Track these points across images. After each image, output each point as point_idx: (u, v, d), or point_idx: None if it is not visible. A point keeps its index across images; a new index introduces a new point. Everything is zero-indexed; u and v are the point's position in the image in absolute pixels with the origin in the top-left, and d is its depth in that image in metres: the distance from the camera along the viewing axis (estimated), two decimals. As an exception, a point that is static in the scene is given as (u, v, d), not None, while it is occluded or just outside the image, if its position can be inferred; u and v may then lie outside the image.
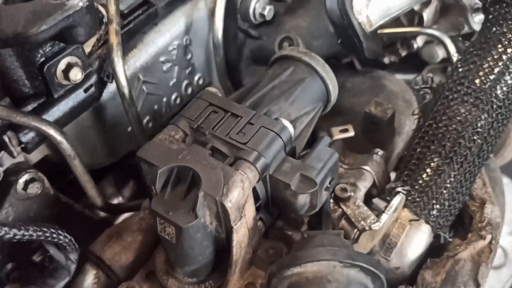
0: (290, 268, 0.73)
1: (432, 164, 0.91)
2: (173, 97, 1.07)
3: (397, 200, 0.84)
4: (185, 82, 1.07)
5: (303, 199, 0.78)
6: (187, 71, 1.07)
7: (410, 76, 1.48)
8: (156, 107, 1.04)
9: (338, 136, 0.99)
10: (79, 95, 0.84)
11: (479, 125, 0.90)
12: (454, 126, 0.90)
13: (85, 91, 0.85)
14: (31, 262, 0.87)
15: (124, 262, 0.86)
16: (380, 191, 0.95)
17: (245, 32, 1.04)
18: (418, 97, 1.12)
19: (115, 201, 1.27)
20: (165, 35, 0.98)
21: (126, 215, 1.04)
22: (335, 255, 0.72)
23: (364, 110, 1.03)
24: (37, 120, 0.76)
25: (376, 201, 0.91)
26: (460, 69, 0.93)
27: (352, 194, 0.87)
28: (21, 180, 0.89)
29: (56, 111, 0.82)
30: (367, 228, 0.81)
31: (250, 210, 0.76)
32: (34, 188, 0.90)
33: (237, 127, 0.79)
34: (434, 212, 0.90)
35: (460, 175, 0.90)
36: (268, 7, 0.99)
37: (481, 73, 0.91)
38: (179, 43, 1.01)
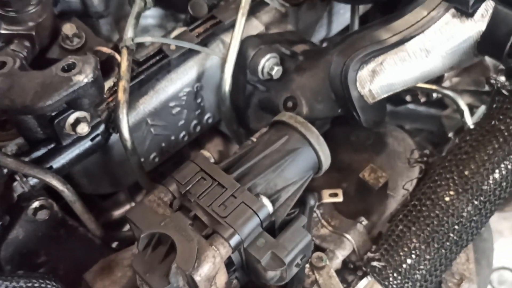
0: None
1: (410, 245, 0.94)
2: (181, 135, 1.13)
3: (364, 283, 0.89)
4: (194, 122, 1.13)
5: (272, 274, 0.84)
6: (197, 113, 1.12)
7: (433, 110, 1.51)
8: (163, 144, 1.11)
9: (327, 199, 1.03)
10: (86, 144, 0.92)
11: (463, 215, 0.92)
12: (437, 212, 0.93)
13: (92, 140, 0.92)
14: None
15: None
16: (359, 258, 1.00)
17: (253, 86, 1.08)
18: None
19: (128, 206, 1.37)
20: (176, 83, 1.04)
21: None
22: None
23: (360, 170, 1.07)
24: (42, 173, 0.84)
25: (348, 273, 0.96)
26: (453, 157, 0.94)
27: (327, 263, 0.93)
28: (32, 207, 0.99)
29: (64, 157, 0.91)
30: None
31: (221, 278, 0.83)
32: (43, 214, 1.00)
33: (220, 198, 0.85)
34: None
35: (436, 260, 0.93)
36: (276, 68, 1.02)
37: (472, 166, 0.92)
38: (189, 90, 1.06)
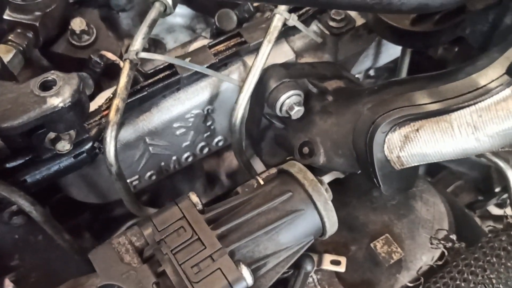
0: None
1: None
2: (185, 155, 1.02)
3: None
4: (201, 144, 1.02)
5: None
6: (205, 135, 1.01)
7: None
8: (163, 164, 1.00)
9: (327, 266, 0.91)
10: (67, 161, 0.83)
11: None
12: None
13: (75, 157, 0.83)
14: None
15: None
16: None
17: (269, 120, 0.95)
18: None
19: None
20: (184, 104, 0.92)
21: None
22: None
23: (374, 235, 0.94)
24: (7, 190, 0.76)
25: None
26: (482, 256, 0.80)
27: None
28: (8, 210, 0.92)
29: (41, 172, 0.82)
30: None
31: None
32: (19, 219, 0.93)
33: (196, 258, 0.74)
34: None
35: None
36: (296, 108, 0.89)
37: (502, 271, 0.78)
38: (198, 112, 0.95)
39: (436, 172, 1.40)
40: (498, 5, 0.86)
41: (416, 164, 0.85)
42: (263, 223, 0.80)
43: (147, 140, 0.93)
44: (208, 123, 0.99)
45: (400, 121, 0.82)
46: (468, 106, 0.78)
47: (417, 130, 0.82)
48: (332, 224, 0.84)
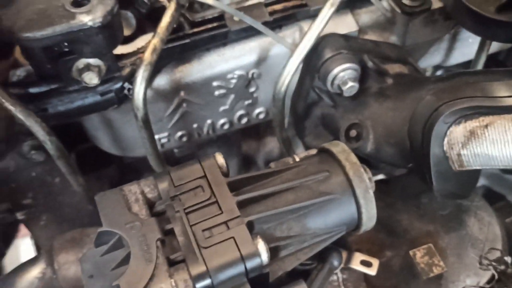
0: None
1: None
2: (221, 121, 0.94)
3: None
4: (240, 112, 0.94)
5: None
6: (246, 103, 0.93)
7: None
8: (195, 125, 0.93)
9: (356, 266, 0.80)
10: (94, 97, 0.77)
11: None
12: None
13: (102, 95, 0.77)
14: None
15: (71, 275, 0.81)
16: None
17: (318, 95, 0.86)
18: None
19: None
20: (228, 62, 0.85)
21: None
22: None
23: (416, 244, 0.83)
24: (24, 113, 0.70)
25: None
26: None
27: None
28: (28, 143, 0.87)
29: (66, 102, 0.77)
30: None
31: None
32: (38, 156, 0.88)
33: (210, 222, 0.65)
34: None
35: None
36: (350, 84, 0.79)
37: None
38: (241, 74, 0.87)
39: (494, 202, 1.26)
40: None
41: (477, 168, 0.74)
42: (291, 200, 0.71)
43: (182, 94, 0.86)
44: (251, 89, 0.91)
45: (468, 112, 0.70)
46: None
47: (486, 126, 0.70)
48: (369, 218, 0.73)
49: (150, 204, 0.69)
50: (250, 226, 0.66)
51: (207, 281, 0.62)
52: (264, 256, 0.64)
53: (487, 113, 0.70)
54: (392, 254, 0.86)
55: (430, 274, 0.80)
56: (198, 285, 0.62)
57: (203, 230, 0.65)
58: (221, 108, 0.92)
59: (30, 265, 0.84)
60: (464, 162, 0.73)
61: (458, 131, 0.72)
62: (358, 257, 0.81)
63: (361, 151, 0.82)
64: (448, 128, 0.72)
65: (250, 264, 0.64)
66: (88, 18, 0.60)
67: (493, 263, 0.77)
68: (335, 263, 0.78)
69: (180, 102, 0.87)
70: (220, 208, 0.67)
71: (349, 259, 0.81)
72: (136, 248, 0.63)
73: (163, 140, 0.93)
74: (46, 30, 0.60)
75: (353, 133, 0.82)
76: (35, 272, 0.83)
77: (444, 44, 0.99)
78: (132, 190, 0.69)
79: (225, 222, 0.66)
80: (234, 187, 0.71)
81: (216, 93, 0.88)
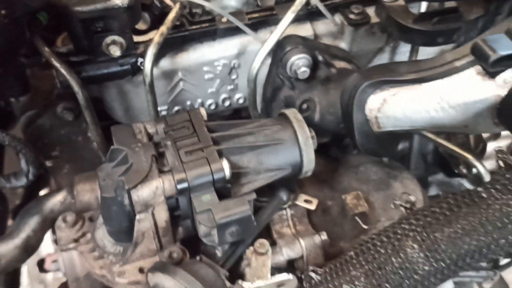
0: (155, 273, 0.86)
1: (353, 274, 0.93)
2: (209, 102, 1.23)
3: (283, 277, 0.90)
4: (224, 95, 1.23)
5: (204, 229, 0.89)
6: (229, 88, 1.22)
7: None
8: (189, 102, 1.21)
9: (300, 203, 1.06)
10: (115, 66, 1.06)
11: (418, 272, 0.88)
12: (393, 259, 0.89)
13: (121, 65, 1.06)
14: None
15: (86, 199, 1.06)
16: (305, 268, 1.00)
17: (281, 80, 1.14)
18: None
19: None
20: (216, 52, 1.14)
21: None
22: (189, 284, 0.83)
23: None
24: (65, 66, 0.99)
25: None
26: (430, 213, 0.91)
27: (268, 252, 0.95)
28: (61, 105, 1.16)
29: (95, 69, 1.06)
30: (243, 284, 0.89)
31: (161, 213, 0.91)
32: (68, 115, 1.17)
33: (191, 147, 0.93)
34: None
35: None
36: (303, 69, 1.08)
37: (445, 230, 0.88)
38: (225, 62, 1.16)
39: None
40: (485, 15, 1.03)
41: (390, 129, 1.01)
42: (251, 140, 0.98)
43: (180, 74, 1.15)
44: (233, 77, 1.20)
45: (381, 86, 0.98)
46: (437, 78, 0.94)
47: (394, 95, 0.98)
48: (309, 161, 1.00)
49: (150, 137, 0.97)
50: (219, 153, 0.93)
51: (185, 184, 0.88)
52: (227, 172, 0.91)
53: (395, 86, 0.98)
54: (332, 204, 1.11)
55: (356, 211, 1.04)
56: (179, 186, 0.88)
57: (185, 152, 0.92)
58: (209, 90, 1.20)
59: (55, 193, 1.10)
60: (380, 124, 1.01)
61: (375, 99, 0.99)
62: (302, 197, 1.06)
63: (310, 120, 1.09)
64: (368, 97, 1.00)
65: (217, 175, 0.90)
66: (118, 1, 0.91)
67: (402, 203, 1.03)
68: (284, 197, 1.03)
69: (178, 81, 1.16)
70: (199, 140, 0.94)
71: (295, 199, 1.06)
72: (136, 158, 0.90)
73: (163, 112, 1.21)
74: (91, 7, 0.90)
75: (304, 106, 1.10)
76: (59, 197, 1.10)
77: (386, 55, 1.29)
78: (138, 126, 0.97)
79: (201, 148, 0.93)
80: (211, 129, 0.98)
81: (206, 76, 1.17)
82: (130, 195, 0.86)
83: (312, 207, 1.05)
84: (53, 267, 1.62)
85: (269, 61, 1.15)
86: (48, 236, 1.66)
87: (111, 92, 1.15)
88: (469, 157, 1.06)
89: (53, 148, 1.19)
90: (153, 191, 0.87)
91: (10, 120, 1.20)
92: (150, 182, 0.87)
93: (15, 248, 1.00)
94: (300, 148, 0.99)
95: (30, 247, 1.02)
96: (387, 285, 0.90)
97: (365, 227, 1.01)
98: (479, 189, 0.91)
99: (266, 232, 1.03)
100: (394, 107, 0.98)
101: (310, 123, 1.08)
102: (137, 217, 0.89)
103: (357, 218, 1.02)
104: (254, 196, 0.91)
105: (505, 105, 0.89)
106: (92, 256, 0.99)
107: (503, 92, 0.89)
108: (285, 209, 1.06)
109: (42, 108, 1.18)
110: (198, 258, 0.93)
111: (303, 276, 0.95)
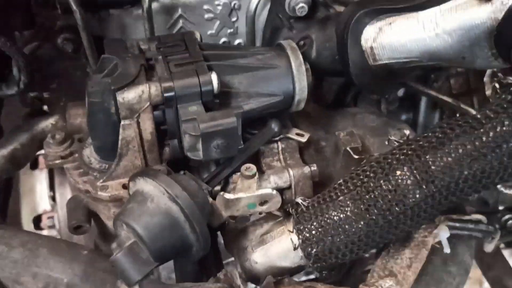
0: (135, 179, 0.85)
1: (342, 203, 0.89)
2: (208, 44, 1.23)
3: (265, 191, 0.87)
4: (223, 39, 1.22)
5: (188, 140, 0.88)
6: (229, 31, 1.21)
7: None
8: (188, 44, 1.22)
9: (292, 135, 1.04)
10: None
11: (408, 196, 0.85)
12: (381, 182, 0.86)
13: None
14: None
15: (77, 123, 1.06)
16: (293, 199, 0.98)
17: (281, 20, 1.14)
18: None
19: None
20: (217, -10, 1.15)
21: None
22: (168, 186, 0.82)
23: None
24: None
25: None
26: (423, 139, 0.88)
27: (255, 176, 0.92)
28: (62, 36, 1.17)
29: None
30: (224, 195, 0.87)
31: (146, 123, 0.90)
32: (68, 46, 1.18)
33: (181, 60, 0.93)
34: (313, 238, 0.89)
35: (362, 230, 0.86)
36: (301, 4, 1.07)
37: (438, 154, 0.86)
38: (225, 2, 1.16)
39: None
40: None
41: (387, 61, 0.99)
42: (244, 63, 0.97)
43: (180, 10, 1.15)
44: (233, 19, 1.20)
45: (377, 15, 0.97)
46: (433, 6, 0.93)
47: (390, 24, 0.97)
48: (301, 88, 0.98)
49: (142, 52, 0.97)
50: (209, 68, 0.92)
51: (172, 93, 0.87)
52: (215, 84, 0.89)
53: (391, 15, 0.97)
54: (325, 144, 1.09)
55: (347, 147, 1.01)
56: (166, 94, 0.87)
57: (175, 65, 0.92)
58: (209, 32, 1.20)
59: (47, 116, 1.11)
60: (376, 55, 0.99)
61: (371, 29, 0.98)
62: (294, 130, 1.04)
63: (307, 57, 1.08)
64: (364, 27, 0.99)
65: (205, 88, 0.89)
66: None
67: (397, 139, 1.00)
68: (275, 127, 1.01)
69: (178, 17, 1.16)
70: (190, 55, 0.94)
71: (287, 132, 1.04)
72: (125, 67, 0.90)
73: (162, 51, 1.21)
74: None
75: (301, 43, 1.09)
76: (51, 120, 1.10)
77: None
78: (131, 41, 0.97)
79: (191, 62, 0.92)
80: (204, 48, 0.97)
81: (206, 16, 1.18)
82: (115, 97, 0.86)
83: (304, 139, 1.03)
84: (48, 223, 1.64)
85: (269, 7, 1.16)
86: (45, 193, 1.68)
87: (111, 27, 1.16)
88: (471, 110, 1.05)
89: (52, 81, 1.19)
90: (138, 94, 0.86)
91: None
92: (136, 86, 0.87)
93: (1, 157, 0.99)
94: (293, 74, 0.97)
95: (16, 160, 1.01)
96: (375, 210, 0.88)
97: (355, 157, 0.98)
98: (474, 112, 0.89)
99: (256, 164, 1.01)
100: (390, 36, 0.97)
101: (306, 59, 1.07)
102: (122, 122, 0.88)
103: (349, 149, 0.99)
104: (242, 109, 0.90)
105: (502, 28, 0.87)
106: (77, 172, 0.98)
107: (500, 15, 0.87)
108: (276, 142, 1.04)
109: (44, 41, 1.19)
110: (182, 172, 0.91)
111: (289, 205, 0.93)
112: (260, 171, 0.99)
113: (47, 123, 1.08)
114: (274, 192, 0.87)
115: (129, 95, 0.86)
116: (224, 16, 1.19)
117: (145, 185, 0.83)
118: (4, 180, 1.23)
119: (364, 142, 1.10)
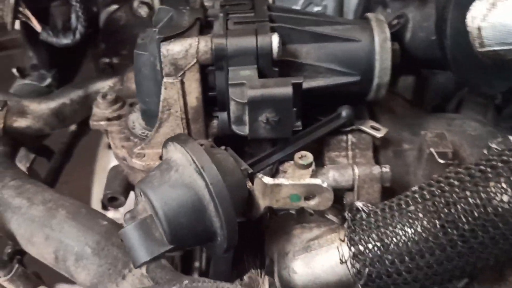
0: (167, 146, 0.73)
1: (409, 207, 0.70)
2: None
3: (314, 181, 0.70)
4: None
5: (235, 110, 0.74)
6: (315, 9, 1.06)
7: None
8: None
9: (366, 128, 0.85)
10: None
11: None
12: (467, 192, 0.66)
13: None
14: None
15: (133, 88, 0.97)
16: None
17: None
18: None
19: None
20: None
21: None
22: (196, 154, 0.68)
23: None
24: None
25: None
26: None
27: (311, 166, 0.76)
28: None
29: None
30: (263, 179, 0.71)
31: (193, 85, 0.78)
32: (143, 10, 1.11)
33: (242, 19, 0.80)
34: (369, 254, 0.70)
35: (429, 243, 0.66)
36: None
37: None
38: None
39: None
40: None
41: (496, 48, 0.78)
42: (317, 30, 0.81)
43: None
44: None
45: (492, -14, 0.77)
46: None
47: (507, -2, 0.76)
48: (383, 69, 0.80)
49: (205, 9, 0.86)
50: (272, 30, 0.78)
51: (223, 50, 0.75)
52: (275, 47, 0.75)
53: (511, -12, 0.76)
54: (409, 147, 0.89)
55: (432, 150, 0.79)
56: (215, 48, 0.75)
57: (235, 23, 0.80)
58: (293, 7, 1.07)
59: (106, 77, 1.04)
60: (483, 39, 0.78)
61: (481, 4, 0.78)
62: (369, 122, 0.86)
63: (399, 37, 0.89)
64: (472, 2, 0.78)
65: (262, 50, 0.75)
66: None
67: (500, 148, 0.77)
68: (345, 115, 0.84)
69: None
70: (254, 16, 0.81)
71: (361, 124, 0.86)
72: (180, 17, 0.79)
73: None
74: None
75: (394, 21, 0.91)
76: (109, 82, 1.03)
77: None
78: None
79: (254, 21, 0.79)
80: (273, 9, 0.83)
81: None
82: (160, 49, 0.75)
83: (380, 134, 0.84)
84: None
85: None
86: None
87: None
88: None
89: (124, 47, 1.14)
90: (185, 48, 0.75)
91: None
92: (184, 39, 0.75)
93: (47, 109, 0.94)
94: (375, 50, 0.80)
95: (62, 115, 0.95)
96: (454, 229, 0.66)
97: (441, 161, 0.78)
98: None
99: (318, 157, 0.85)
100: (505, 14, 0.76)
101: (398, 41, 0.89)
102: (164, 80, 0.77)
103: (434, 151, 0.79)
104: (301, 80, 0.74)
105: None
106: (119, 137, 0.89)
107: None
108: (346, 134, 0.86)
109: (122, 4, 1.14)
110: (223, 148, 0.78)
111: (347, 210, 0.75)
112: (321, 165, 0.83)
113: (105, 84, 1.01)
114: (325, 184, 0.70)
115: (174, 48, 0.75)
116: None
117: (174, 152, 0.71)
118: (65, 145, 1.19)
119: (459, 151, 0.88)
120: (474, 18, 0.78)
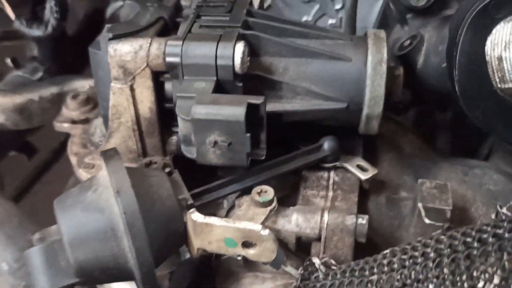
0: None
1: (373, 276, 0.55)
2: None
3: (251, 226, 0.56)
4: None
5: (181, 126, 0.62)
6: (330, 22, 0.93)
7: None
8: None
9: (350, 167, 0.70)
10: None
11: None
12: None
13: None
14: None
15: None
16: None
17: (392, 14, 0.81)
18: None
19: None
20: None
21: None
22: (115, 174, 0.57)
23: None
24: None
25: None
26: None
27: (269, 207, 0.62)
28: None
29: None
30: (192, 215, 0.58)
31: (145, 93, 0.67)
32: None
33: (212, 23, 0.68)
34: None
35: None
36: (423, -2, 0.74)
37: None
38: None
39: None
40: None
41: (523, 85, 0.60)
42: (300, 44, 0.67)
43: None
44: (337, 6, 0.91)
45: (523, 9, 0.60)
46: None
47: (542, 23, 0.58)
48: (374, 97, 0.65)
49: (179, 8, 0.75)
50: (242, 37, 0.65)
51: (176, 58, 0.63)
52: (237, 59, 0.62)
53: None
54: (406, 196, 0.72)
55: (429, 205, 0.63)
56: (168, 58, 0.63)
57: (201, 26, 0.68)
58: (304, 18, 0.94)
59: (88, 76, 0.96)
60: (506, 74, 0.61)
61: (505, 29, 0.61)
62: (357, 160, 0.71)
63: (411, 61, 0.74)
64: (493, 25, 0.61)
65: (222, 60, 0.63)
66: None
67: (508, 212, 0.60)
68: (325, 145, 0.69)
69: (267, -7, 0.93)
70: (228, 20, 0.69)
71: (347, 160, 0.71)
72: (141, 18, 0.69)
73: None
74: None
75: (406, 43, 0.75)
76: (90, 81, 0.94)
77: None
78: None
79: (223, 26, 0.67)
80: (252, 15, 0.71)
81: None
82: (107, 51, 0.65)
83: (364, 176, 0.68)
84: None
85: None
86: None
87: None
88: None
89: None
90: (134, 49, 0.64)
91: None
92: (136, 39, 0.65)
93: (11, 103, 0.87)
94: (367, 72, 0.65)
95: (27, 112, 0.87)
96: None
97: (427, 221, 0.61)
98: None
99: (291, 194, 0.71)
100: (536, 43, 0.58)
101: (410, 65, 0.74)
102: (112, 84, 0.67)
103: (421, 207, 0.62)
104: (261, 100, 0.60)
105: None
106: (77, 142, 0.80)
107: None
108: (328, 170, 0.72)
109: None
110: (167, 170, 0.66)
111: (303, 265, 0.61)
112: (293, 205, 0.69)
113: (84, 83, 0.92)
114: (265, 232, 0.56)
115: (122, 48, 0.64)
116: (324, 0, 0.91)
117: (103, 169, 0.60)
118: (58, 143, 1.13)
119: (469, 210, 0.71)
120: (496, 45, 0.61)
